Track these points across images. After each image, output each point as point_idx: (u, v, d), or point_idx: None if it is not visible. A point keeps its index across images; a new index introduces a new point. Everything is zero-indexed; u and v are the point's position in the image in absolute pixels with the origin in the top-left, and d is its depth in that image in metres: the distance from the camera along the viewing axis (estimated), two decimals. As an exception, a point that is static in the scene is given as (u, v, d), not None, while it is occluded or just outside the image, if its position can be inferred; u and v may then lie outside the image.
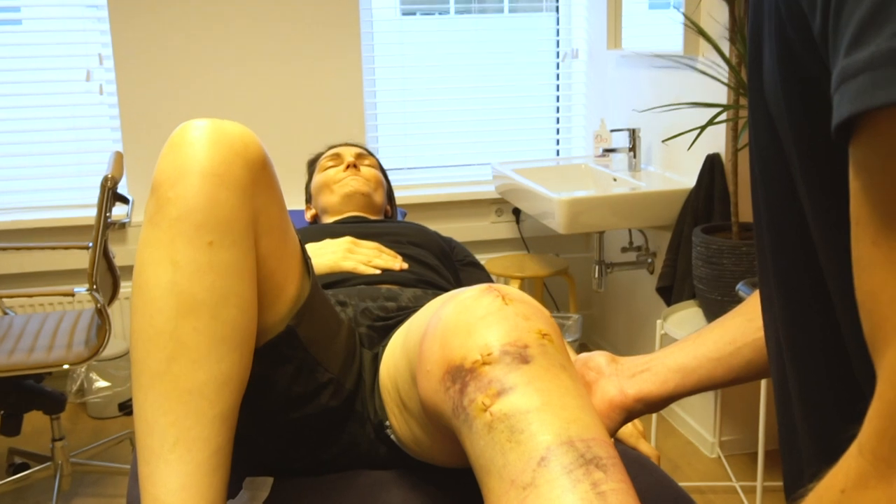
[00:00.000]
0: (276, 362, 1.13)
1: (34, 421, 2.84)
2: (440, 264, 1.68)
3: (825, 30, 0.45)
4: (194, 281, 0.97)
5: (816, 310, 0.57)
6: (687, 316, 2.35)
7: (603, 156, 3.01)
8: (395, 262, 1.58)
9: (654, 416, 2.38)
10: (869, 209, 0.43)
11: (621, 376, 0.97)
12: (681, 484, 2.42)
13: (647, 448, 1.34)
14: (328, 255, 1.58)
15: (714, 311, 2.25)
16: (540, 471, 0.77)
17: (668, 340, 2.47)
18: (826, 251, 0.53)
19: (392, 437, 1.21)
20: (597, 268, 2.88)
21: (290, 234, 1.13)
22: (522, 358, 0.85)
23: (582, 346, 3.40)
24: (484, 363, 0.85)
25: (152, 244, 0.98)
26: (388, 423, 1.22)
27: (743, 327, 0.93)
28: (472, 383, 0.85)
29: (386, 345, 1.26)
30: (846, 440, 0.46)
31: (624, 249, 2.94)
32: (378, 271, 1.56)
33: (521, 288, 2.99)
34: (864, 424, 0.45)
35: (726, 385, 0.94)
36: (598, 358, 1.01)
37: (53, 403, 2.38)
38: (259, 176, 1.03)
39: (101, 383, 2.93)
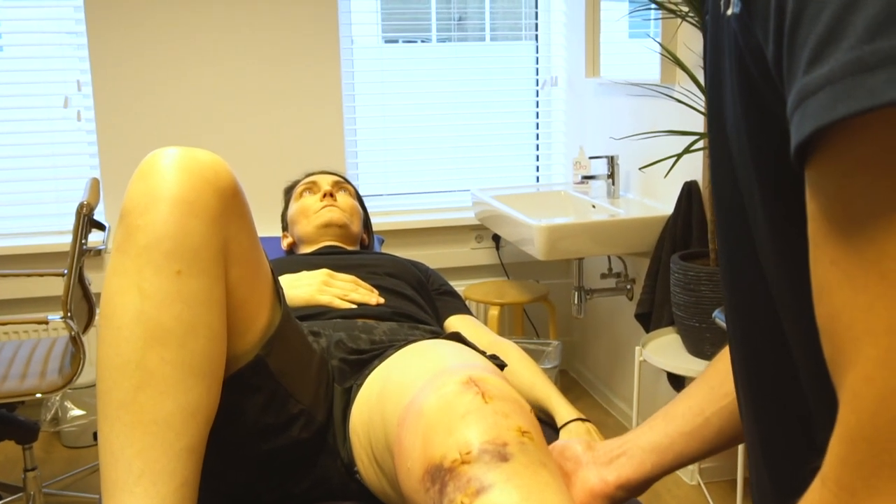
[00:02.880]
0: (245, 392, 1.11)
1: (6, 450, 2.80)
2: (416, 294, 1.68)
3: (779, 55, 0.45)
4: (162, 310, 0.96)
5: (773, 353, 0.57)
6: (665, 342, 2.35)
7: (582, 183, 3.02)
8: (372, 297, 1.57)
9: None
10: (826, 229, 0.43)
11: (599, 464, 0.96)
12: (660, 512, 2.40)
13: (622, 477, 1.33)
14: (304, 287, 1.56)
15: (692, 337, 2.25)
16: None
17: (646, 367, 2.47)
18: (784, 295, 0.53)
19: (362, 482, 1.20)
20: (576, 294, 2.88)
21: (261, 263, 1.12)
22: (501, 456, 0.85)
23: (562, 373, 3.39)
24: (463, 462, 0.85)
25: (120, 272, 0.97)
26: (356, 468, 1.20)
27: (708, 396, 0.92)
28: (451, 483, 0.85)
29: (359, 383, 1.24)
30: (809, 474, 0.45)
31: (603, 276, 2.94)
32: (354, 305, 1.55)
33: (501, 315, 2.98)
34: (827, 453, 0.44)
35: (705, 457, 0.93)
36: (574, 446, 1.00)
37: (26, 433, 2.34)
38: (230, 204, 1.03)
39: (76, 412, 2.89)
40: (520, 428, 0.89)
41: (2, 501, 2.45)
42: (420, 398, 0.94)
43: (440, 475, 0.86)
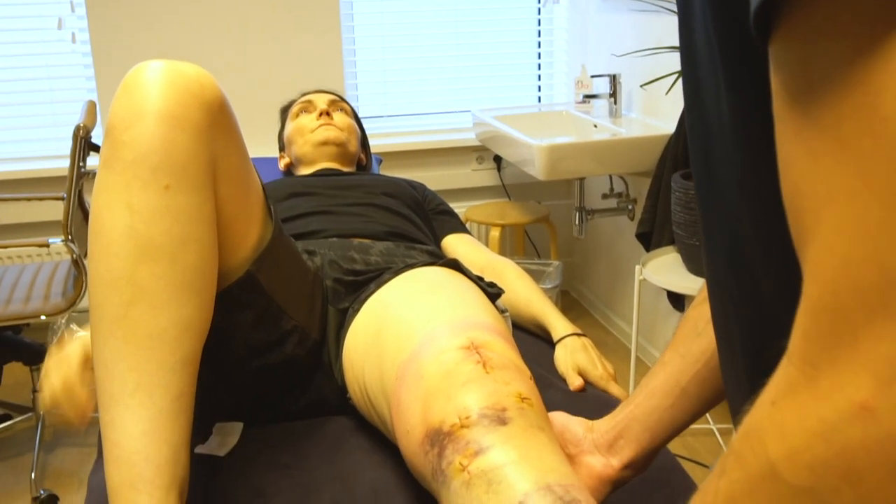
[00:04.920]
0: (236, 308, 1.12)
1: (15, 373, 2.84)
2: (413, 214, 1.67)
3: None
4: (152, 225, 0.95)
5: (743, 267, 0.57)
6: (666, 261, 2.35)
7: (584, 102, 2.98)
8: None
9: (632, 360, 2.39)
10: (789, 102, 0.41)
11: (600, 448, 0.98)
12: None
13: (616, 390, 1.35)
14: None
15: (692, 256, 2.25)
16: None
17: (646, 286, 2.47)
18: (752, 214, 0.52)
19: (354, 405, 1.22)
20: (577, 214, 2.87)
21: (251, 179, 1.11)
22: (500, 420, 0.86)
23: (563, 293, 3.41)
24: (462, 426, 0.86)
25: (107, 188, 0.96)
26: (349, 395, 1.22)
27: (680, 365, 0.94)
28: (449, 446, 0.86)
29: (356, 308, 1.25)
30: (776, 355, 0.44)
31: (604, 196, 2.93)
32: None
33: (502, 236, 2.98)
34: (793, 331, 0.43)
35: (693, 422, 0.96)
36: (575, 427, 1.01)
37: (32, 354, 2.38)
38: (217, 118, 1.01)
39: (82, 334, 2.92)
40: (519, 394, 0.90)
41: (11, 421, 2.50)
42: (419, 359, 0.95)
43: (439, 439, 0.87)
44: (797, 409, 0.41)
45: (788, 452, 0.41)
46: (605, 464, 0.96)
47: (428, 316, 1.03)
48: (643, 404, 0.96)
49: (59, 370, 1.15)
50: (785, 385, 0.43)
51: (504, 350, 0.96)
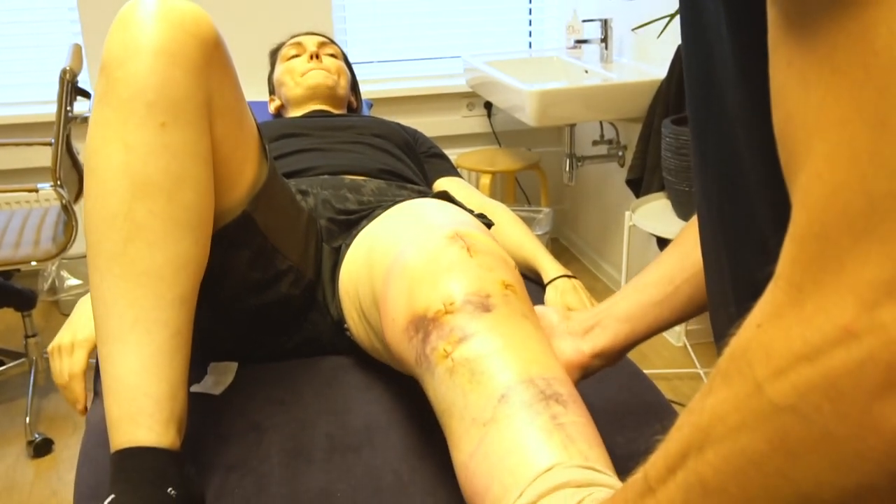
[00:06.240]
0: (232, 247, 1.12)
1: (7, 319, 2.85)
2: (404, 155, 1.67)
3: None
4: (148, 162, 0.95)
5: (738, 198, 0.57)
6: (655, 207, 2.36)
7: (575, 47, 2.96)
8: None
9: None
10: (783, 30, 0.42)
11: (573, 334, 0.97)
12: (647, 372, 2.47)
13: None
14: None
15: (682, 202, 2.26)
16: (500, 407, 0.79)
17: (636, 232, 2.49)
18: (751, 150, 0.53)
19: (351, 338, 1.23)
20: (567, 161, 2.87)
21: (246, 117, 1.11)
22: (485, 307, 0.86)
23: (553, 241, 3.43)
24: (447, 312, 0.86)
25: (103, 124, 0.96)
26: (346, 325, 1.22)
27: (679, 265, 0.93)
28: (434, 332, 0.86)
29: (348, 243, 1.25)
30: (763, 280, 0.45)
31: (595, 143, 2.93)
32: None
33: (493, 183, 2.98)
34: (780, 256, 0.44)
35: (676, 324, 0.95)
36: (550, 315, 1.01)
37: (24, 300, 2.38)
38: (212, 56, 1.01)
39: (73, 281, 2.93)
40: (503, 281, 0.90)
41: (4, 367, 2.51)
42: (406, 252, 0.95)
43: (424, 325, 0.87)
44: (783, 331, 0.42)
45: (773, 373, 0.42)
46: (576, 349, 0.96)
47: (416, 223, 1.03)
48: (630, 297, 0.96)
49: (67, 360, 1.27)
50: (771, 308, 0.44)
51: (488, 241, 0.96)
